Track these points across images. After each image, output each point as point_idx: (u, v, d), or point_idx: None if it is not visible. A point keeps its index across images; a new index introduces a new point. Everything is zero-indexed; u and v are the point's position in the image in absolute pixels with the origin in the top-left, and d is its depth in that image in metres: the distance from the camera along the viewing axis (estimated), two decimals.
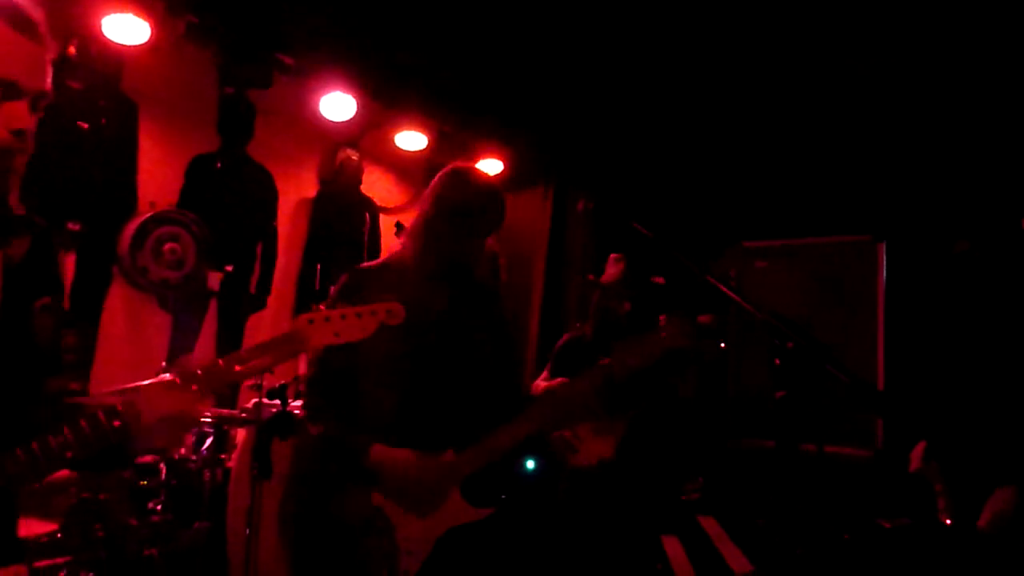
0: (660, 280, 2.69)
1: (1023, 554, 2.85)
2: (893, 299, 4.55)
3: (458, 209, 2.31)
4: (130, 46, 4.18)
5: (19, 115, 1.64)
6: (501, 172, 5.91)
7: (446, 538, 2.21)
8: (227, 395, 4.06)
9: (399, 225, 4.21)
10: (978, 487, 3.13)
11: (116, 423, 1.54)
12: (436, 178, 2.41)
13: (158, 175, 4.73)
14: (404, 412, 2.28)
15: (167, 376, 1.74)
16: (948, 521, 3.07)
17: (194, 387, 1.63)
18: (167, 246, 4.50)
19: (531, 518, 3.18)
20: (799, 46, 4.56)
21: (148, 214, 4.50)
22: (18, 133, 1.64)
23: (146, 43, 4.17)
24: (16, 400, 1.70)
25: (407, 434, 2.25)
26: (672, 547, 3.10)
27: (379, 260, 2.57)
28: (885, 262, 4.59)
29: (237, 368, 1.67)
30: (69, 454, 1.51)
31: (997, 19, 4.08)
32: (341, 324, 1.73)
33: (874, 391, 3.86)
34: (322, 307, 1.75)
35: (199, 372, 1.63)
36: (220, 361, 1.66)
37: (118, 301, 4.54)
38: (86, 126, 4.32)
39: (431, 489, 2.22)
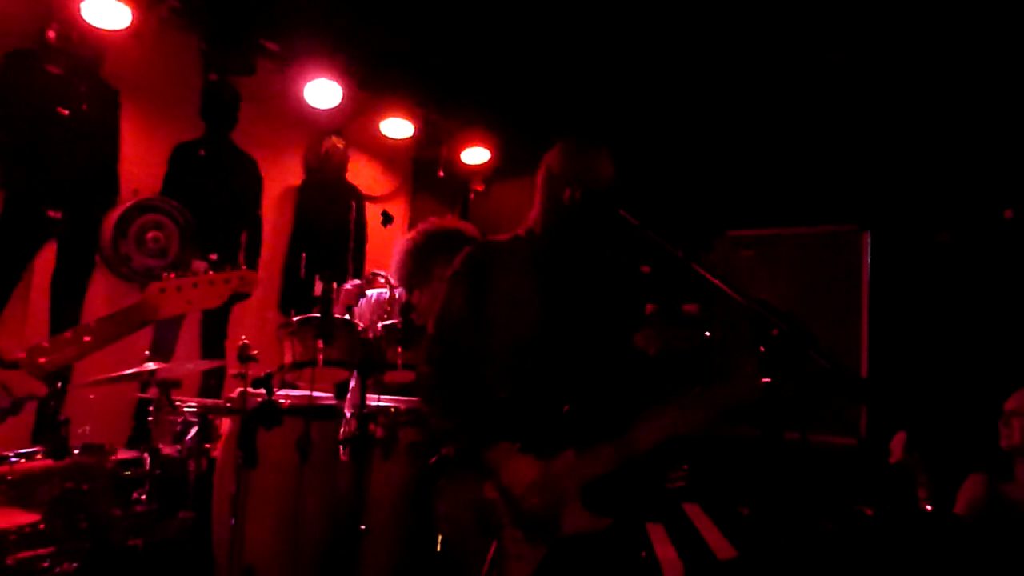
0: (646, 269, 2.69)
1: (996, 540, 2.90)
2: (877, 289, 4.58)
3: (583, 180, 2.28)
4: (111, 31, 4.13)
5: None
6: (488, 161, 5.90)
7: (557, 549, 2.05)
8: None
9: (385, 214, 4.20)
10: (956, 475, 3.17)
11: None
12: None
13: (141, 162, 4.69)
14: (532, 399, 2.20)
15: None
16: (928, 509, 3.10)
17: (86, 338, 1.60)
18: (150, 234, 4.47)
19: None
20: (784, 38, 4.57)
21: (131, 202, 4.46)
22: None
23: (127, 28, 4.12)
24: None
25: (531, 425, 2.15)
26: (657, 534, 3.12)
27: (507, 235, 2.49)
28: (870, 252, 4.61)
29: (87, 339, 1.65)
30: None
31: (980, 14, 4.09)
32: (193, 292, 1.72)
33: (858, 379, 3.89)
34: (172, 275, 1.73)
35: (22, 355, 1.60)
36: (45, 343, 1.63)
37: (101, 290, 4.50)
38: (66, 112, 4.27)
39: (550, 499, 2.06)
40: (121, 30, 4.12)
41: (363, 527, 3.06)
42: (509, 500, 2.08)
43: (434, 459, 2.20)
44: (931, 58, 4.42)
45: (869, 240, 4.62)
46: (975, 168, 4.43)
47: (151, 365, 3.34)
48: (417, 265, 3.64)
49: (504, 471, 2.09)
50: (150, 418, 3.71)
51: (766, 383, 1.94)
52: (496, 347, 2.25)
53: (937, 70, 4.45)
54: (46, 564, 2.86)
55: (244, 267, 1.90)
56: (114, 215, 4.40)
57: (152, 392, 3.71)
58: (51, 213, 4.25)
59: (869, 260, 4.61)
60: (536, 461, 2.10)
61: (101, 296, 4.49)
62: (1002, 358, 4.04)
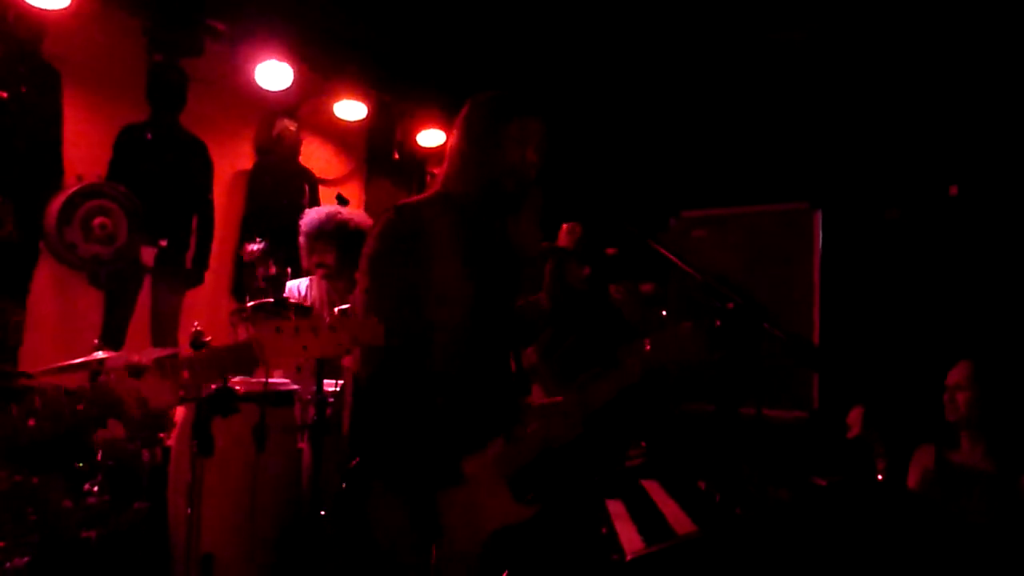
0: (612, 251, 2.69)
1: (946, 511, 2.99)
2: (829, 265, 4.68)
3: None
4: (51, 10, 3.99)
5: None
6: (444, 143, 5.86)
7: (496, 543, 2.01)
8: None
9: (340, 197, 4.16)
10: (906, 446, 3.27)
11: (79, 407, 1.44)
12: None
13: (85, 146, 4.54)
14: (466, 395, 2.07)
15: (142, 359, 1.64)
16: (880, 479, 3.19)
17: (185, 374, 1.52)
18: (96, 220, 4.34)
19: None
20: (734, 18, 4.61)
21: (75, 187, 4.33)
22: None
23: (68, 7, 3.99)
24: None
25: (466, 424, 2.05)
26: (616, 510, 3.15)
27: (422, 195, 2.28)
28: (821, 229, 4.71)
29: (186, 375, 1.57)
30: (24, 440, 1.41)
31: None
32: (311, 339, 1.63)
33: (811, 347, 3.97)
34: (292, 316, 1.63)
35: (187, 366, 1.51)
36: (202, 353, 1.56)
37: (46, 279, 4.37)
38: (5, 95, 4.12)
39: (483, 503, 2.01)
40: (61, 9, 3.98)
41: (322, 512, 3.04)
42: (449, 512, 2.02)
43: (356, 461, 2.05)
44: (878, 38, 4.50)
45: (820, 218, 4.71)
46: (921, 147, 4.53)
47: (100, 354, 3.26)
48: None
49: (446, 516, 1.99)
50: None
51: (704, 343, 1.92)
52: (430, 326, 2.04)
53: (883, 50, 4.53)
54: None
55: (363, 316, 1.77)
56: (58, 201, 4.27)
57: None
58: None
59: (821, 237, 4.70)
60: (469, 494, 2.01)
61: (47, 285, 4.37)
62: (948, 331, 4.16)
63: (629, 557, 2.65)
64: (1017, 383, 3.17)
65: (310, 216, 4.02)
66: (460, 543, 1.99)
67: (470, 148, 2.22)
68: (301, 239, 4.00)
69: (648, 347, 2.08)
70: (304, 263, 4.01)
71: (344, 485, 2.13)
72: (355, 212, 4.10)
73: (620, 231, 2.11)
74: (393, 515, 2.01)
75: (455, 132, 2.29)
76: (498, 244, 2.21)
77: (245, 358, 1.57)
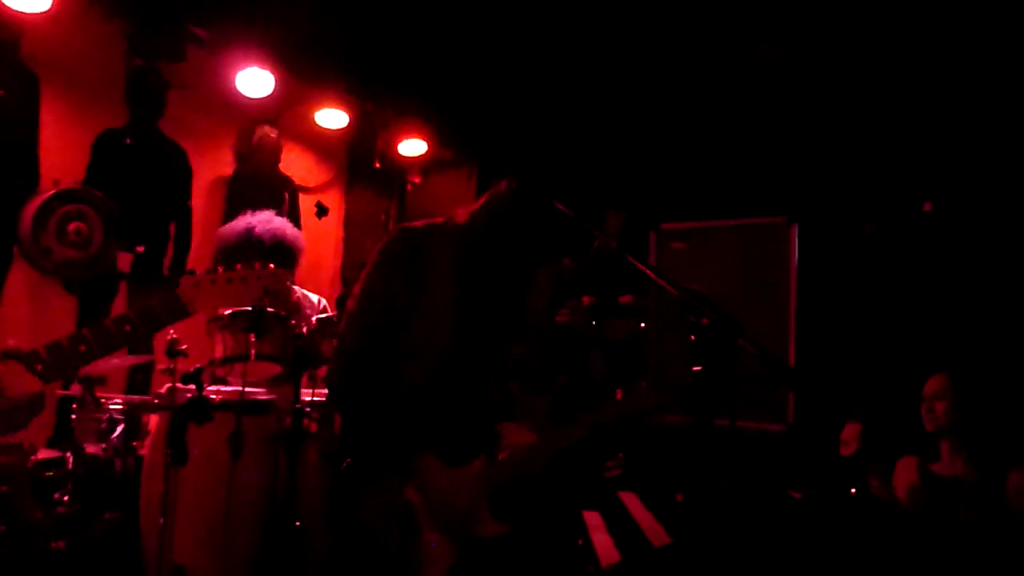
0: (567, 261, 2.70)
1: (931, 517, 3.02)
2: (805, 279, 4.72)
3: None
4: (30, 13, 3.96)
5: None
6: (425, 153, 5.86)
7: (471, 552, 2.08)
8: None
9: (320, 205, 4.14)
10: (884, 456, 3.30)
11: None
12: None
13: (62, 151, 4.50)
14: (446, 406, 2.16)
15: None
16: (852, 491, 3.22)
17: (38, 367, 1.53)
18: (72, 225, 4.29)
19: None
20: (712, 31, 4.65)
21: (51, 192, 4.28)
22: None
23: (48, 11, 3.96)
24: None
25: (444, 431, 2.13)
26: (593, 521, 3.15)
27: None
28: (797, 243, 4.75)
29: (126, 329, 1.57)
30: None
31: (900, 10, 4.24)
32: (228, 288, 1.67)
33: (785, 365, 4.00)
34: (202, 271, 1.68)
35: (43, 352, 1.53)
36: (64, 340, 1.57)
37: (20, 284, 4.31)
38: None
39: (463, 505, 2.09)
40: (41, 12, 3.95)
41: (297, 523, 3.02)
42: (427, 503, 2.08)
43: (348, 462, 2.12)
44: (855, 55, 4.56)
45: (797, 231, 4.76)
46: (896, 163, 4.59)
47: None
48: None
49: (420, 475, 2.09)
50: (73, 416, 3.58)
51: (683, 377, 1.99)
52: (414, 345, 2.15)
53: (861, 66, 4.59)
54: None
55: (272, 266, 1.83)
56: (33, 205, 4.22)
57: (75, 389, 3.58)
58: None
59: (797, 251, 4.75)
60: (447, 467, 2.10)
61: (20, 290, 4.31)
62: (922, 344, 4.21)
63: (605, 568, 2.65)
64: (993, 391, 3.22)
65: (223, 234, 3.72)
66: (438, 545, 2.06)
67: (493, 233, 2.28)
68: (219, 255, 3.70)
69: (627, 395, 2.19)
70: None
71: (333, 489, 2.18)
72: (272, 227, 3.70)
73: (596, 243, 2.12)
74: (378, 515, 2.08)
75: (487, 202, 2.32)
76: (496, 279, 2.30)
77: (169, 308, 1.62)
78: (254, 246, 3.52)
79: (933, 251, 4.42)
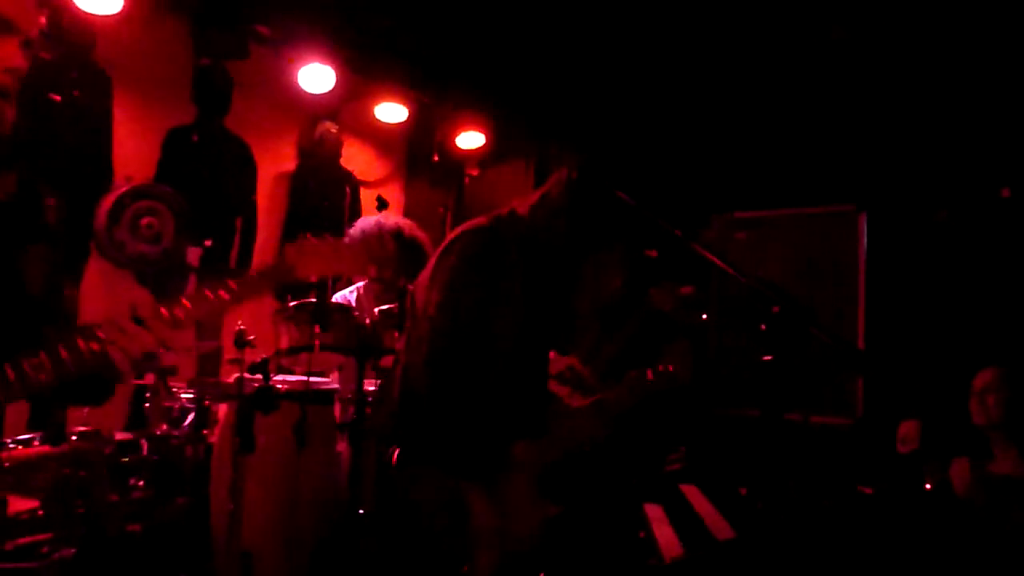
0: (653, 253, 2.67)
1: (994, 522, 2.91)
2: (874, 269, 4.57)
3: None
4: (102, 16, 4.09)
5: (11, 54, 1.60)
6: (483, 145, 5.87)
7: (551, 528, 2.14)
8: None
9: (381, 199, 4.18)
10: (951, 452, 3.19)
11: (95, 346, 1.50)
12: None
13: (134, 148, 4.65)
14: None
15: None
16: (928, 488, 3.12)
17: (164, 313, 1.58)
18: (144, 220, 4.44)
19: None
20: (783, 19, 4.54)
21: (124, 188, 4.43)
22: (12, 71, 1.61)
23: (119, 13, 4.08)
24: (11, 347, 1.62)
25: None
26: (655, 515, 3.12)
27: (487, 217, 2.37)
28: (866, 232, 4.60)
29: (224, 295, 1.62)
30: (43, 377, 1.46)
31: None
32: (333, 257, 1.70)
33: (858, 352, 3.88)
34: (310, 235, 1.71)
35: (183, 300, 1.59)
36: (207, 290, 1.62)
37: (96, 277, 4.48)
38: (58, 98, 4.23)
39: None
40: (112, 15, 4.08)
41: (360, 511, 3.06)
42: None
43: (397, 451, 2.14)
44: (929, 37, 4.40)
45: (866, 220, 4.61)
46: (970, 147, 4.41)
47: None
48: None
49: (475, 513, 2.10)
50: (147, 404, 3.70)
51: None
52: (491, 347, 2.17)
53: (935, 49, 4.42)
54: (44, 550, 2.85)
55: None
56: (108, 201, 4.37)
57: (149, 378, 3.70)
58: (45, 200, 4.21)
59: (866, 240, 4.60)
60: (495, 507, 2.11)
61: (96, 282, 4.47)
62: (995, 336, 4.05)
63: (667, 561, 2.62)
64: None
65: (361, 226, 3.89)
66: (514, 530, 2.09)
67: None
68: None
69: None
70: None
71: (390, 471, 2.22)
72: (402, 221, 3.94)
73: (661, 233, 2.09)
74: (436, 499, 2.12)
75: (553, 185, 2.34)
76: (559, 275, 2.34)
77: (273, 276, 1.65)
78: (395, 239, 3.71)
79: (1011, 240, 4.23)
